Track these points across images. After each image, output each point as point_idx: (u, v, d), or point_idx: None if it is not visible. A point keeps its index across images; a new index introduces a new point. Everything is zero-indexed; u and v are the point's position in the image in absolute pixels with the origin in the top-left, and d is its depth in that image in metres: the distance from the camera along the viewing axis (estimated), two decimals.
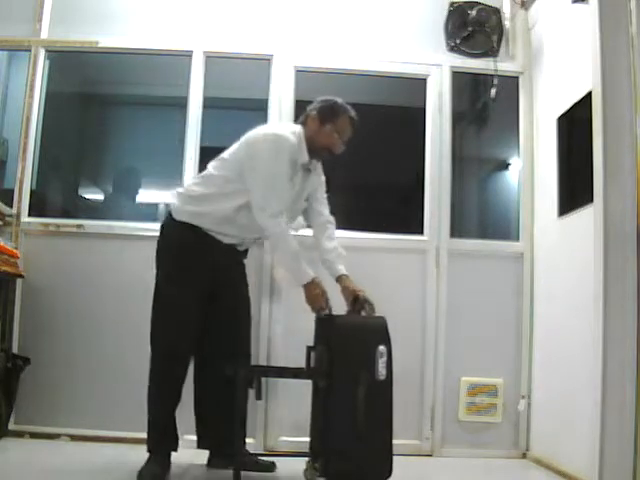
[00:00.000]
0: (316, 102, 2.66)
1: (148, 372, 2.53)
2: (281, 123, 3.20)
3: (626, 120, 2.55)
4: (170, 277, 2.53)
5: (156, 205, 4.20)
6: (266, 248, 3.20)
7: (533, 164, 3.39)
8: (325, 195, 2.82)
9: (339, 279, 2.67)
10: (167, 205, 2.75)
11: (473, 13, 3.42)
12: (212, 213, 2.52)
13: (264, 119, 3.34)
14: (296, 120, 2.80)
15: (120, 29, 3.35)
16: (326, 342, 2.34)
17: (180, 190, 2.65)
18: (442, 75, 3.43)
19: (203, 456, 2.78)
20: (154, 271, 2.59)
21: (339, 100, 2.64)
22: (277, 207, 2.46)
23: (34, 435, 3.03)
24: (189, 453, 2.89)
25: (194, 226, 2.53)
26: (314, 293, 2.48)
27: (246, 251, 2.76)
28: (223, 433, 2.56)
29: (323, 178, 2.80)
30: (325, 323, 2.42)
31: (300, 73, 3.39)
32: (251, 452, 2.71)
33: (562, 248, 3.00)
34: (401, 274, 3.29)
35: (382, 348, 2.28)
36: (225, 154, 2.61)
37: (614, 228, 2.52)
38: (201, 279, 2.53)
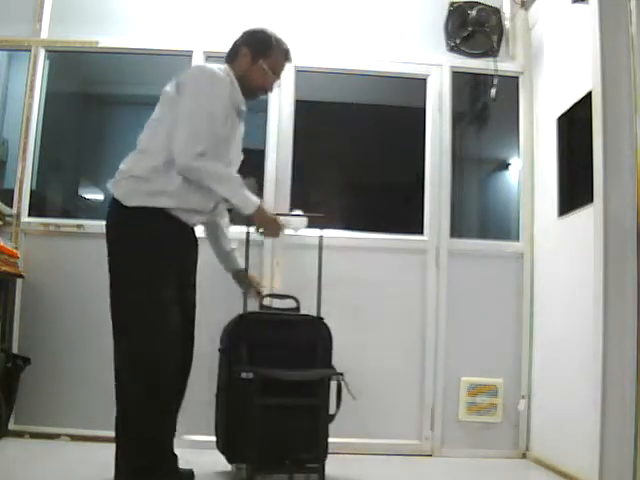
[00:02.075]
0: (244, 34, 2.37)
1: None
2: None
3: (626, 120, 2.55)
4: (140, 277, 2.11)
5: None
6: (266, 247, 3.20)
7: (533, 164, 3.39)
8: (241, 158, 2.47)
9: (240, 273, 2.64)
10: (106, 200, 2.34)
11: (473, 13, 3.42)
12: (170, 185, 2.13)
13: (264, 119, 3.34)
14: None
15: (120, 29, 3.35)
16: None
17: (119, 177, 2.20)
18: (442, 75, 3.43)
19: (204, 457, 2.79)
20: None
21: (269, 30, 2.37)
22: (204, 147, 2.08)
23: (34, 435, 3.03)
24: (188, 453, 2.89)
25: (155, 209, 2.12)
26: (268, 215, 2.28)
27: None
28: None
29: (243, 129, 2.46)
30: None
31: (300, 73, 3.38)
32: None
33: (562, 248, 3.00)
34: (401, 274, 3.29)
35: None
36: (152, 116, 2.26)
37: (614, 228, 2.52)
38: (175, 272, 2.19)
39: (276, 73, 2.37)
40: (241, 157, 2.45)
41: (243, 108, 2.35)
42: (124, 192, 2.14)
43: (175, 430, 2.25)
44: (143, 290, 2.10)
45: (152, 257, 2.12)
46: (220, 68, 2.25)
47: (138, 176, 2.13)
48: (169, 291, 2.14)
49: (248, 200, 2.18)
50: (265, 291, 2.80)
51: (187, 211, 2.19)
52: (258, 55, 2.32)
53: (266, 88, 2.37)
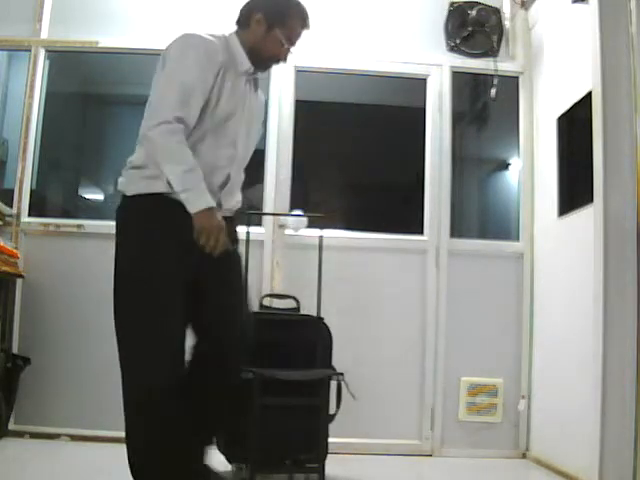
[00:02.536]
0: None
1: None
2: None
3: (626, 120, 2.55)
4: (137, 273, 1.85)
5: None
6: (266, 247, 3.20)
7: (533, 164, 3.38)
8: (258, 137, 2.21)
9: None
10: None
11: (473, 13, 3.42)
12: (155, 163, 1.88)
13: (264, 119, 3.33)
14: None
15: (120, 29, 3.35)
16: None
17: (123, 170, 2.03)
18: (442, 75, 3.43)
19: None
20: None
21: None
22: (165, 117, 1.80)
23: (34, 435, 3.03)
24: None
25: (152, 194, 1.87)
26: (212, 223, 1.77)
27: (231, 221, 2.01)
28: None
29: (259, 101, 2.19)
30: None
31: (300, 73, 3.38)
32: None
33: (562, 248, 3.00)
34: (401, 274, 3.29)
35: None
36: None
37: (614, 228, 2.52)
38: (179, 266, 1.86)
39: (293, 43, 2.09)
40: (258, 134, 2.18)
41: (249, 75, 2.06)
42: (124, 182, 1.96)
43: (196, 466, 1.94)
44: (137, 286, 1.84)
45: (149, 248, 1.85)
46: (214, 34, 2.00)
47: (136, 165, 1.95)
48: (170, 288, 1.85)
49: (196, 194, 1.78)
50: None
51: None
52: (275, 23, 2.03)
53: (280, 58, 2.08)
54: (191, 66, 1.89)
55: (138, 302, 1.84)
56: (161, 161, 1.80)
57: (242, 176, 2.12)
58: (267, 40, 2.04)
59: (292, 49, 2.11)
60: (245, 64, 2.03)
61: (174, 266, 1.86)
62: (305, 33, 2.13)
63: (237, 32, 2.09)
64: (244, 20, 2.09)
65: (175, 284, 1.86)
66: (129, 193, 1.92)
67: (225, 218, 1.87)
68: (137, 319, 1.84)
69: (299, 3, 2.09)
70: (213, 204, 1.80)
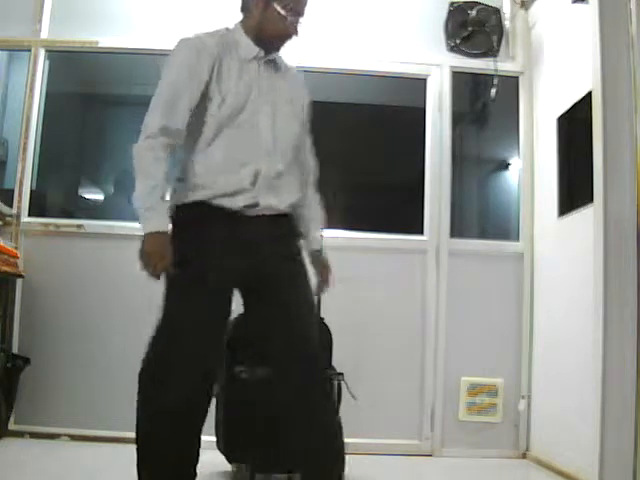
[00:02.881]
0: None
1: None
2: None
3: (626, 120, 2.55)
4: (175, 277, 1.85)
5: None
6: None
7: (533, 164, 3.38)
8: (308, 138, 2.06)
9: (314, 254, 2.11)
10: None
11: (473, 13, 3.42)
12: (190, 172, 1.87)
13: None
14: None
15: (120, 29, 3.35)
16: None
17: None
18: (442, 75, 3.43)
19: (204, 457, 2.78)
20: None
21: None
22: (154, 124, 1.78)
23: (34, 435, 3.03)
24: None
25: (188, 203, 1.85)
26: (154, 248, 1.75)
27: (288, 225, 1.95)
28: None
29: (294, 79, 2.05)
30: None
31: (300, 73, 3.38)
32: None
33: (562, 248, 3.00)
34: (401, 274, 3.29)
35: None
36: None
37: (614, 228, 2.52)
38: (212, 271, 1.82)
39: (296, 11, 1.89)
40: (294, 117, 1.96)
41: (262, 59, 1.93)
42: (172, 194, 1.92)
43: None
44: (170, 282, 1.87)
45: (187, 250, 1.81)
46: (211, 32, 1.94)
47: (178, 177, 1.92)
48: (197, 286, 1.83)
49: (151, 215, 1.75)
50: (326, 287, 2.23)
51: (220, 196, 1.82)
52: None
53: (289, 33, 1.91)
54: (178, 66, 1.84)
55: (168, 290, 1.90)
56: (135, 176, 1.79)
57: (295, 170, 1.96)
58: (268, 17, 1.89)
59: (300, 19, 1.91)
60: (251, 50, 1.91)
61: (205, 270, 1.82)
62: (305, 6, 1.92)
63: (242, 20, 1.99)
64: (244, 5, 1.98)
65: (204, 283, 1.83)
66: (174, 205, 1.88)
67: (270, 218, 1.85)
68: (165, 305, 1.91)
69: None
70: (164, 229, 1.76)
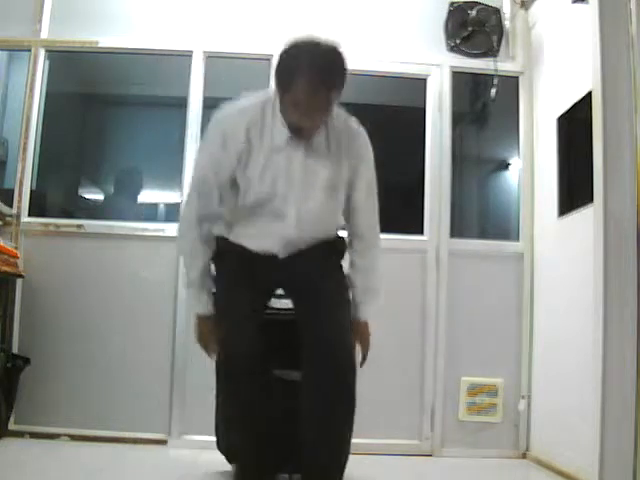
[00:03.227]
0: None
1: None
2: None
3: (626, 120, 2.55)
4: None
5: (156, 205, 4.21)
6: None
7: (533, 164, 3.38)
8: (364, 197, 2.08)
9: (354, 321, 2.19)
10: None
11: (473, 13, 3.42)
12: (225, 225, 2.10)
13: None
14: None
15: (120, 29, 3.35)
16: None
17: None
18: (442, 75, 3.43)
19: (204, 457, 2.79)
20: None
21: (290, 48, 1.78)
22: (193, 215, 2.00)
23: (34, 435, 3.03)
24: (192, 454, 2.90)
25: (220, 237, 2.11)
26: (202, 331, 2.07)
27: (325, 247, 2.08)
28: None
29: (365, 170, 2.10)
30: None
31: None
32: None
33: (562, 248, 3.00)
34: (401, 274, 3.29)
35: None
36: None
37: (614, 228, 2.52)
38: (243, 279, 2.04)
39: (301, 109, 1.78)
40: (329, 194, 1.99)
41: (294, 141, 1.90)
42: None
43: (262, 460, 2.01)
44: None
45: (221, 265, 2.11)
46: (255, 99, 1.96)
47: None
48: (231, 288, 2.06)
49: (195, 297, 2.06)
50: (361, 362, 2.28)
51: (241, 237, 2.05)
52: (281, 90, 1.81)
53: (301, 127, 1.84)
54: (208, 155, 1.99)
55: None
56: (184, 262, 2.11)
57: (322, 226, 2.06)
58: (285, 109, 1.84)
59: (320, 114, 1.83)
60: (280, 135, 1.89)
61: (236, 278, 2.05)
62: (320, 94, 1.75)
63: None
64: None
65: (236, 286, 2.04)
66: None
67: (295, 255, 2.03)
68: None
69: (307, 61, 1.74)
70: (208, 313, 2.03)
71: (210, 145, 1.97)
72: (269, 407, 1.98)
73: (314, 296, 2.04)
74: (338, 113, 1.98)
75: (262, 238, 2.01)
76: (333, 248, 2.12)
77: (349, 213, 2.09)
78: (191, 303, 2.13)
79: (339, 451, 1.96)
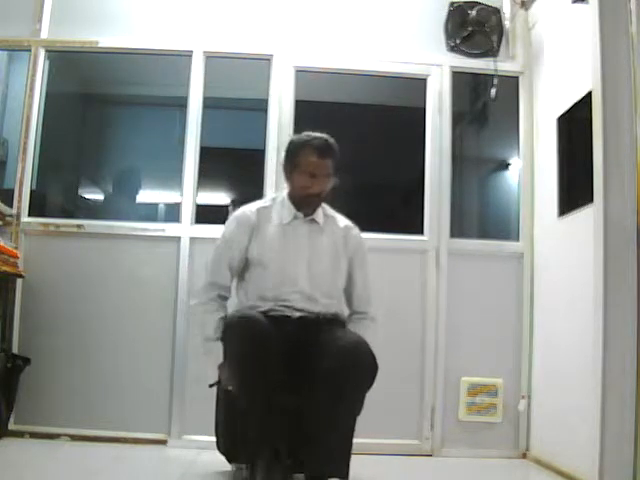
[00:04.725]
0: None
1: None
2: None
3: (626, 120, 2.55)
4: None
5: (156, 205, 4.21)
6: None
7: (533, 164, 3.38)
8: (360, 281, 2.53)
9: None
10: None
11: (473, 13, 3.41)
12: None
13: (264, 119, 3.34)
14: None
15: (120, 29, 3.35)
16: None
17: None
18: (442, 75, 3.43)
19: (204, 457, 2.79)
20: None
21: (294, 137, 2.45)
22: (207, 279, 2.41)
23: (34, 435, 3.03)
24: (191, 453, 2.90)
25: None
26: (222, 375, 2.31)
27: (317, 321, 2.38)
28: None
29: (359, 255, 2.54)
30: None
31: (300, 73, 3.38)
32: None
33: (562, 248, 3.00)
34: (401, 274, 3.29)
35: None
36: None
37: (614, 228, 2.52)
38: None
39: (311, 174, 2.32)
40: (330, 266, 2.42)
41: (302, 219, 2.41)
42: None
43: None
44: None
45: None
46: (265, 200, 2.53)
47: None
48: None
49: (210, 350, 2.31)
50: None
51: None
52: (289, 169, 2.39)
53: (312, 193, 2.35)
54: (223, 236, 2.42)
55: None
56: (200, 320, 2.37)
57: (323, 302, 2.38)
58: (295, 185, 2.38)
59: (323, 180, 2.33)
60: (287, 215, 2.40)
61: None
62: (322, 161, 2.31)
63: (287, 189, 2.46)
64: (285, 177, 2.44)
65: None
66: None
67: (308, 317, 2.33)
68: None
69: (304, 137, 2.36)
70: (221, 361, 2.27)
71: (225, 230, 2.43)
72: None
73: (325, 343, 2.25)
74: (335, 214, 2.52)
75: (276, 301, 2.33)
76: (336, 320, 2.42)
77: (347, 287, 2.51)
78: (210, 357, 2.30)
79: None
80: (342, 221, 2.52)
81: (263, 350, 2.09)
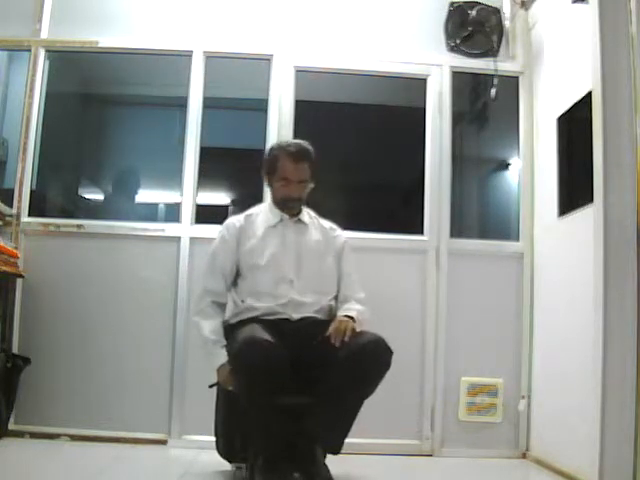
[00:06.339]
0: None
1: None
2: None
3: (626, 120, 2.55)
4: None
5: (156, 205, 4.21)
6: None
7: (533, 164, 3.38)
8: (348, 272, 2.62)
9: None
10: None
11: (473, 13, 3.42)
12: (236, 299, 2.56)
13: (264, 119, 3.34)
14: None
15: (120, 29, 3.35)
16: None
17: None
18: (442, 75, 3.43)
19: (204, 457, 2.79)
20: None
21: (273, 144, 2.66)
22: (201, 286, 2.54)
23: (34, 435, 3.03)
24: (191, 453, 2.90)
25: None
26: (221, 378, 2.36)
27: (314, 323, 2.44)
28: None
29: (337, 245, 2.62)
30: None
31: (300, 73, 3.38)
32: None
33: (562, 248, 3.00)
34: (401, 274, 3.29)
35: None
36: None
37: (614, 228, 2.52)
38: None
39: (289, 179, 2.47)
40: (319, 263, 2.53)
41: (288, 221, 2.55)
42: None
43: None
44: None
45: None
46: (255, 208, 2.65)
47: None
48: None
49: (211, 357, 2.38)
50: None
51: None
52: (269, 177, 2.56)
53: (290, 195, 2.50)
54: (213, 248, 2.55)
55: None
56: (199, 324, 2.46)
57: (315, 297, 2.47)
58: (275, 190, 2.55)
59: (301, 185, 2.49)
60: (274, 218, 2.54)
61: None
62: (298, 166, 2.46)
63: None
64: (267, 184, 2.62)
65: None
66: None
67: (305, 319, 2.40)
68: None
69: (280, 145, 2.56)
70: (221, 363, 2.33)
71: (218, 236, 2.56)
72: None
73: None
74: (319, 217, 2.67)
75: (267, 297, 2.42)
76: (332, 318, 2.47)
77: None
78: (209, 359, 2.38)
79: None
80: (326, 223, 2.68)
81: (280, 382, 2.14)
